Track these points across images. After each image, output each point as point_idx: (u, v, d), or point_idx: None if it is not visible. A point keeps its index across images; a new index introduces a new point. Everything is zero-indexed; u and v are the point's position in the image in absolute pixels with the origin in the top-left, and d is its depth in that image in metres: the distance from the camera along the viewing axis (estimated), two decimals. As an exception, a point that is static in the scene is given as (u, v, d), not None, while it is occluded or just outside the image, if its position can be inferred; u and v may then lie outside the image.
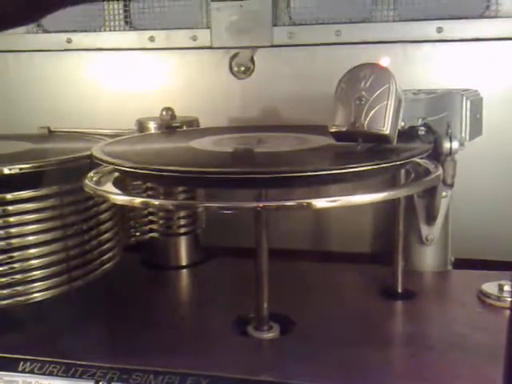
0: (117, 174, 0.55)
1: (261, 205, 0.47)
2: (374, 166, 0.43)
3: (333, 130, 0.48)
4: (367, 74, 0.46)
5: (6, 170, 0.56)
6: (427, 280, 0.68)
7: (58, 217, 0.58)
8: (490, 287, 0.62)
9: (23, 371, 0.45)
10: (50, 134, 0.78)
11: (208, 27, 0.80)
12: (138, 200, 0.47)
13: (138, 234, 0.73)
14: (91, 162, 0.60)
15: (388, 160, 0.44)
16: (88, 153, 0.58)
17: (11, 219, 0.56)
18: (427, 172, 0.53)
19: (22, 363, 0.45)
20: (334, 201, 0.44)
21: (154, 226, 0.74)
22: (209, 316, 0.61)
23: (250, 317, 0.58)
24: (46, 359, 0.45)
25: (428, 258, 0.70)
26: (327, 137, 0.53)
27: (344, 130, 0.47)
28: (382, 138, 0.46)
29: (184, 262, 0.76)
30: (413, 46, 0.76)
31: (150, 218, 0.74)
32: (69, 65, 0.87)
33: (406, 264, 0.66)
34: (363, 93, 0.46)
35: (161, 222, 0.74)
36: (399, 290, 0.63)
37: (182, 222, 0.75)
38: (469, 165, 0.66)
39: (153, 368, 0.44)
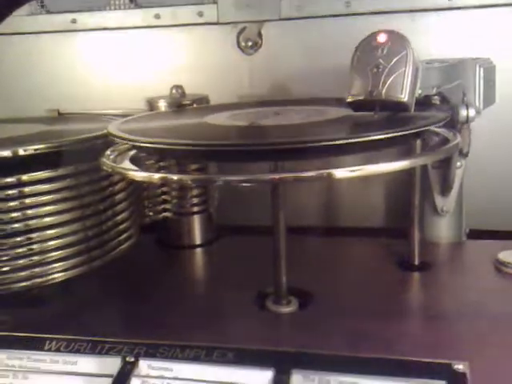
0: (133, 152, 0.55)
1: (277, 177, 0.46)
2: (395, 134, 0.42)
3: (349, 99, 0.47)
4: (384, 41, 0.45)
5: (21, 151, 0.56)
6: (443, 251, 0.68)
7: (74, 197, 0.58)
8: (507, 256, 0.62)
9: (49, 350, 0.45)
10: (60, 116, 0.77)
11: (214, 2, 0.79)
12: (156, 176, 0.46)
13: (151, 213, 0.73)
14: (106, 142, 0.60)
15: (409, 127, 0.44)
16: (103, 132, 0.58)
17: (27, 200, 0.56)
18: (444, 141, 0.53)
19: (47, 342, 0.45)
20: (355, 170, 0.43)
21: (168, 206, 0.74)
22: (226, 292, 0.61)
23: (268, 292, 0.59)
24: (72, 337, 0.45)
25: (443, 230, 0.70)
26: (343, 108, 0.53)
27: (361, 98, 0.46)
28: (400, 106, 0.46)
29: (198, 241, 0.76)
30: (422, 15, 0.74)
31: (164, 197, 0.74)
32: (74, 45, 0.86)
33: (421, 236, 0.65)
34: (380, 60, 0.45)
35: (174, 201, 0.74)
36: (416, 262, 0.64)
37: (195, 200, 0.74)
38: (482, 134, 0.65)
39: (179, 342, 0.44)
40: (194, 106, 0.72)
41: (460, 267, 0.65)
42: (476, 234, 0.71)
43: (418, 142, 0.57)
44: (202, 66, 0.82)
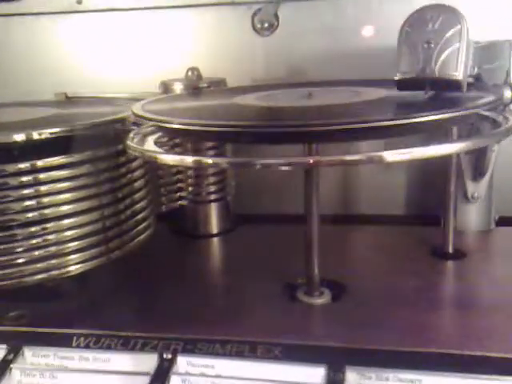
0: (157, 134, 0.51)
1: (316, 160, 0.43)
2: (455, 114, 0.39)
3: (398, 77, 0.44)
4: (435, 15, 0.42)
5: (36, 135, 0.52)
6: (474, 239, 0.66)
7: (92, 184, 0.54)
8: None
9: (78, 346, 0.42)
10: (69, 100, 0.73)
11: (229, -19, 0.76)
12: (189, 159, 0.43)
13: (167, 201, 0.70)
14: (123, 125, 0.57)
15: (467, 107, 0.41)
16: (122, 115, 0.55)
17: (43, 188, 0.53)
18: (485, 123, 0.50)
19: (75, 338, 0.42)
20: (406, 153, 0.40)
21: (184, 194, 0.71)
22: (253, 283, 0.58)
23: (298, 282, 0.56)
24: (102, 332, 0.42)
25: (472, 217, 0.68)
26: (382, 89, 0.50)
27: (412, 76, 0.43)
28: (453, 85, 0.43)
29: (215, 230, 0.73)
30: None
31: (180, 185, 0.70)
32: (79, 28, 0.81)
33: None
34: (432, 35, 0.42)
35: (190, 188, 0.71)
36: (450, 250, 0.61)
37: (212, 188, 0.71)
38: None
39: (218, 337, 0.41)
40: (212, 88, 0.69)
41: (495, 255, 0.62)
42: (505, 221, 0.69)
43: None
44: (215, 48, 0.78)
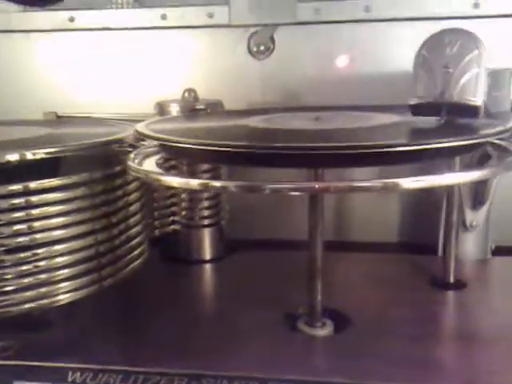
0: (157, 156, 0.49)
1: (325, 186, 0.41)
2: (476, 140, 0.38)
3: (413, 101, 0.43)
4: (453, 39, 0.42)
5: (30, 155, 0.49)
6: (472, 268, 0.65)
7: (86, 208, 0.52)
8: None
9: (74, 382, 0.39)
10: (59, 120, 0.71)
11: (226, 3, 0.75)
12: (195, 182, 0.41)
13: (160, 226, 0.67)
14: (120, 146, 0.55)
15: (486, 134, 0.40)
16: (121, 135, 0.53)
17: (34, 212, 0.50)
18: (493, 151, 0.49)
19: (70, 373, 0.39)
20: (422, 181, 0.39)
21: (177, 218, 0.68)
22: (252, 312, 0.55)
23: (299, 313, 0.54)
24: (99, 367, 0.39)
25: (469, 246, 0.66)
26: (392, 114, 0.49)
27: (428, 101, 0.42)
28: (471, 110, 0.42)
29: (208, 256, 0.70)
30: (446, 23, 0.71)
31: (173, 209, 0.68)
32: (71, 46, 0.79)
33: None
34: (450, 60, 0.41)
35: (183, 213, 0.69)
36: (451, 280, 0.60)
37: (206, 213, 0.69)
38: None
39: (226, 373, 0.38)
40: (208, 111, 0.67)
41: (497, 285, 0.61)
42: (501, 251, 0.68)
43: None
44: (210, 70, 0.77)
